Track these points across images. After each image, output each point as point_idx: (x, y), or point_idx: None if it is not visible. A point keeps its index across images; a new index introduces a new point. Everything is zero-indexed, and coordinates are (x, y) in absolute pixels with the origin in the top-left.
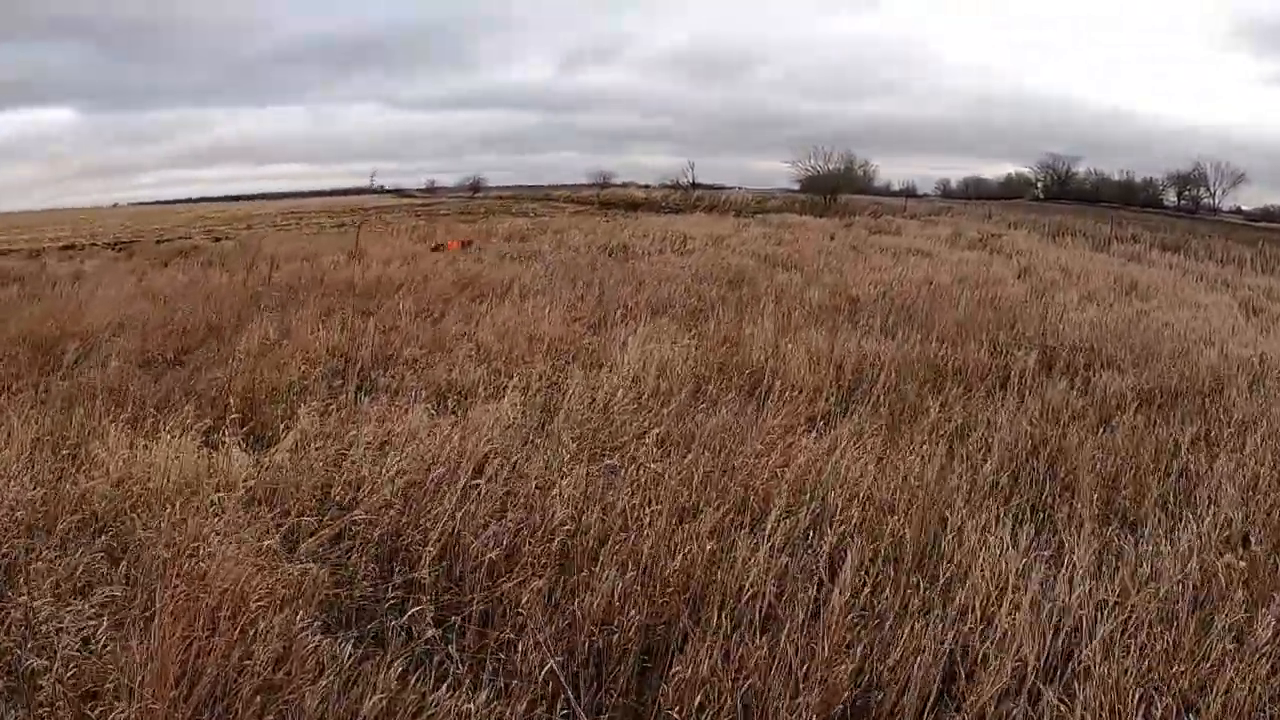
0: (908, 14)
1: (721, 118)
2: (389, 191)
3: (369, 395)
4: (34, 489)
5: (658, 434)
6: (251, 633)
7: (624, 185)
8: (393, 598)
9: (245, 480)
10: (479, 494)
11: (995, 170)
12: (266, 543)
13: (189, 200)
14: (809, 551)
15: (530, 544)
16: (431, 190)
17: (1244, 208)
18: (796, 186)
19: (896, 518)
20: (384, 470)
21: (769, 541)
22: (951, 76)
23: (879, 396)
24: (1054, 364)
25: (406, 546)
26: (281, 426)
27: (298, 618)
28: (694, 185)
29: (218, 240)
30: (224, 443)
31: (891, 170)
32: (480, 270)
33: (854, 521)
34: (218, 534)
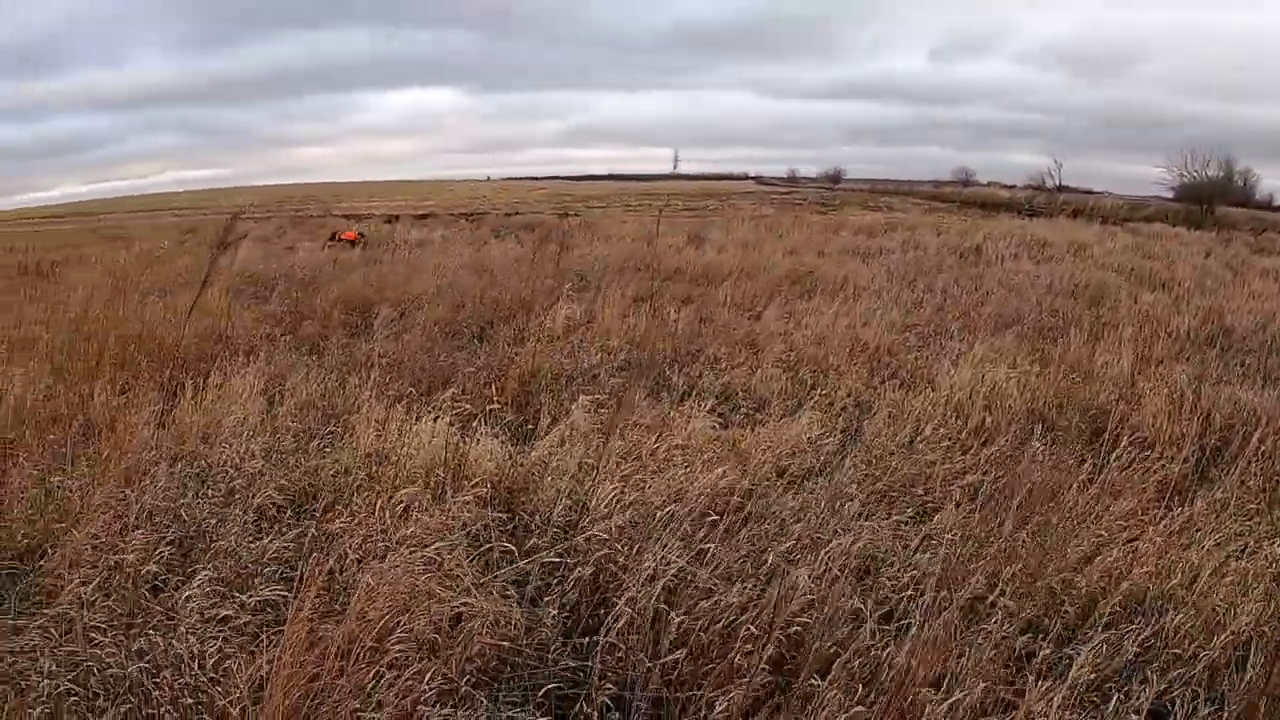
0: None
1: (1095, 116)
2: (749, 179)
3: (657, 394)
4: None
5: (968, 483)
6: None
7: (987, 184)
8: (570, 663)
9: (484, 475)
10: (709, 552)
11: None
12: (453, 555)
13: (556, 178)
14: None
15: (750, 626)
16: (792, 180)
17: None
18: (1169, 194)
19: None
20: (623, 492)
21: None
22: None
23: (1250, 463)
24: None
25: (606, 599)
26: (551, 419)
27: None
28: (1060, 188)
29: (564, 217)
30: (480, 430)
31: (1275, 182)
32: (818, 264)
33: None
34: (407, 538)
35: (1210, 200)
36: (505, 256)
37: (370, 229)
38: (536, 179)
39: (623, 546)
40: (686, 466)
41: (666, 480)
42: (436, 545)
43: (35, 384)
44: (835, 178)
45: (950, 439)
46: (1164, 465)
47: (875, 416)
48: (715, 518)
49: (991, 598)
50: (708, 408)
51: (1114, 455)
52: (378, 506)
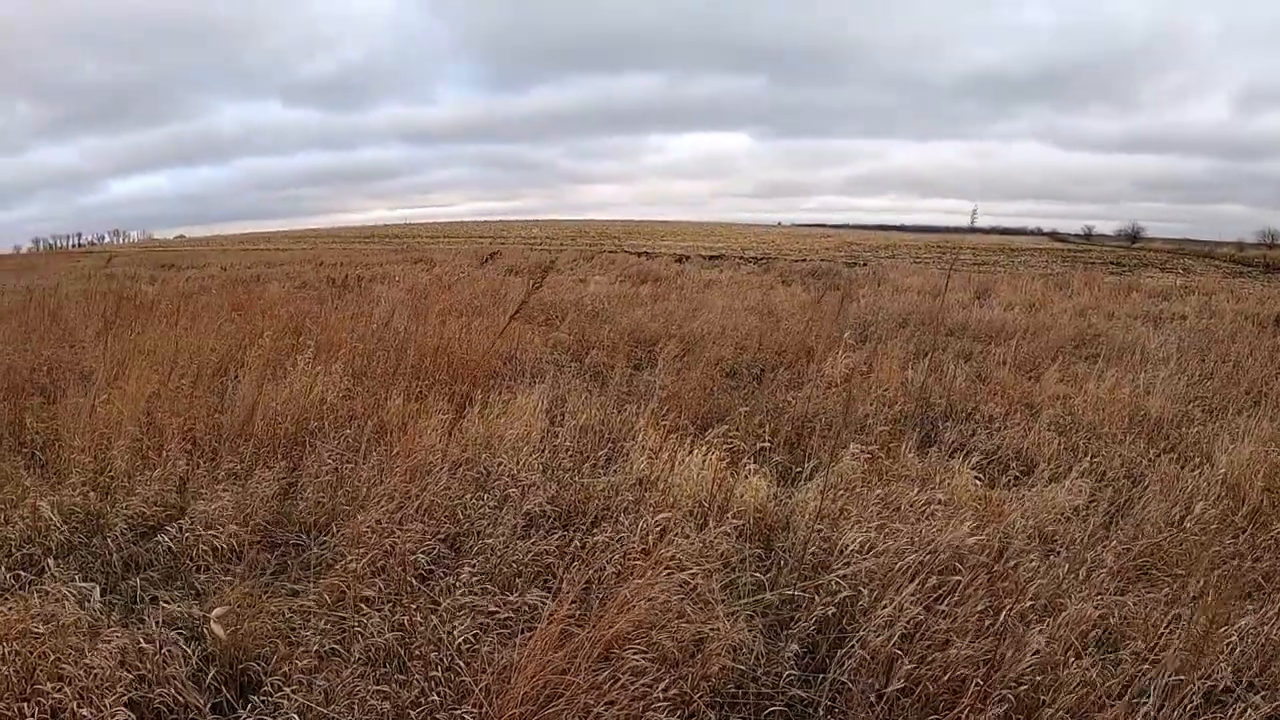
0: None
1: None
2: (1043, 234)
3: (926, 447)
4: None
5: (1232, 567)
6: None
7: None
8: (800, 693)
9: (746, 509)
10: (946, 604)
11: None
12: (707, 581)
13: (845, 226)
14: None
15: (979, 681)
16: (1087, 237)
17: None
18: None
19: None
20: (875, 539)
21: None
22: None
23: None
24: None
25: (844, 638)
26: (816, 464)
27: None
28: None
29: (851, 265)
30: (749, 467)
31: None
32: (1106, 327)
33: None
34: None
35: None
36: (790, 302)
37: (661, 267)
38: (825, 226)
39: (867, 590)
40: (943, 519)
41: (920, 529)
42: (693, 570)
43: (337, 384)
44: (1133, 236)
45: (1221, 520)
46: None
47: (1146, 490)
48: (960, 574)
49: (1238, 691)
50: (973, 464)
51: None
52: (640, 527)
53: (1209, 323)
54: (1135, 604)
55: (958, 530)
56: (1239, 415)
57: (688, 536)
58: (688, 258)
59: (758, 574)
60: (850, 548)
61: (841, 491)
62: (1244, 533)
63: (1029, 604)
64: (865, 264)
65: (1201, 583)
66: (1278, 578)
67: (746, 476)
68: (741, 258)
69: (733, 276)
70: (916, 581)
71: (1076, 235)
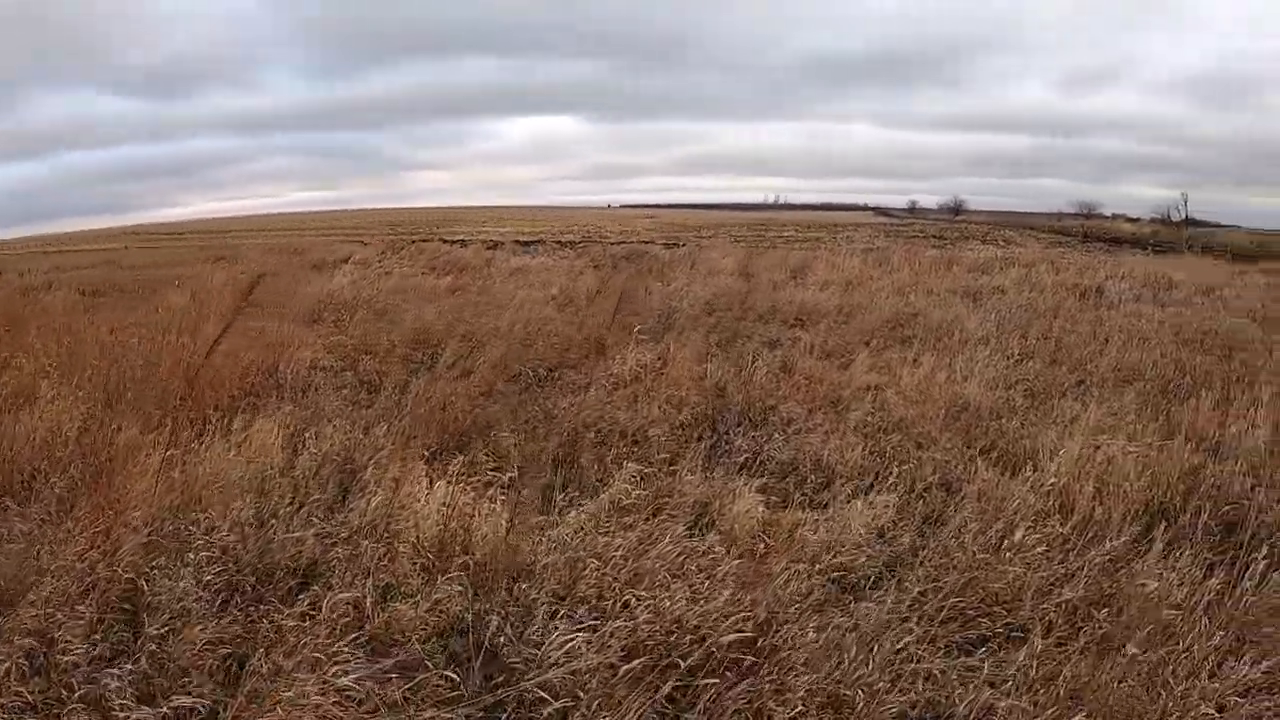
0: None
1: (1224, 148)
2: (867, 209)
3: (717, 458)
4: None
5: (1066, 601)
6: None
7: (1110, 218)
8: None
9: (483, 555)
10: None
11: None
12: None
13: (673, 206)
14: None
15: None
16: (911, 211)
17: None
18: None
19: None
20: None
21: None
22: None
23: None
24: None
25: None
26: (585, 492)
27: None
28: (1187, 221)
29: (668, 247)
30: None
31: None
32: (924, 306)
33: None
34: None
35: None
36: (600, 287)
37: (472, 255)
38: (651, 207)
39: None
40: (703, 578)
41: (668, 601)
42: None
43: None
44: (955, 209)
45: (1048, 541)
46: None
47: (960, 508)
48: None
49: None
50: (766, 480)
51: (1247, 572)
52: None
53: (1030, 296)
54: (946, 670)
55: (714, 600)
56: (1063, 399)
57: (412, 597)
58: (501, 244)
59: (452, 673)
60: (569, 644)
61: (597, 530)
62: (1074, 550)
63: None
64: (683, 245)
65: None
66: (1118, 603)
67: (490, 512)
68: (559, 242)
69: (545, 263)
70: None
71: (900, 209)
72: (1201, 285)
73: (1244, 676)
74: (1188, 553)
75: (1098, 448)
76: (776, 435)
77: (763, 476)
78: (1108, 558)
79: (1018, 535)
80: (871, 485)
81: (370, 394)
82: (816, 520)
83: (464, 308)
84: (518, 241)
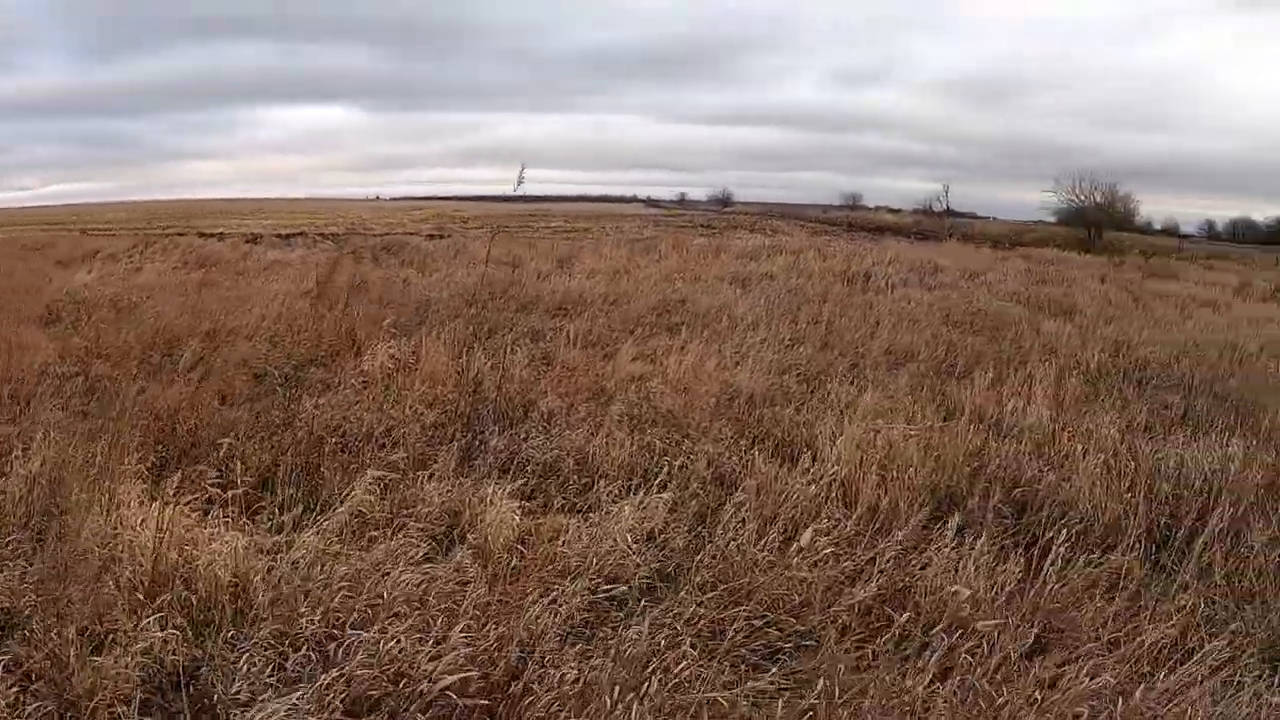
0: (1196, 45)
1: (983, 145)
2: (638, 200)
3: (469, 463)
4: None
5: (859, 602)
6: None
7: (874, 209)
8: None
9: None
10: None
11: (1266, 212)
12: None
13: (445, 198)
14: None
15: None
16: (681, 202)
17: None
18: (1052, 219)
19: None
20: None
21: None
22: (1235, 113)
23: (1212, 550)
24: None
25: None
26: (325, 504)
27: None
28: (948, 212)
29: (434, 238)
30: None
31: (1153, 208)
32: (692, 293)
33: None
34: None
35: (1098, 225)
36: (356, 280)
37: (228, 249)
38: (421, 199)
39: None
40: (449, 605)
41: (400, 637)
42: None
43: None
44: (724, 200)
45: (834, 536)
46: (1104, 551)
47: (739, 505)
48: None
49: None
50: (516, 489)
51: (1048, 557)
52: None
53: (799, 282)
54: (734, 700)
55: (451, 637)
56: (839, 383)
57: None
58: (261, 238)
59: None
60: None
61: (332, 553)
62: (863, 542)
63: None
64: (449, 236)
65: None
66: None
67: (214, 536)
68: (323, 235)
69: (304, 256)
70: None
71: (670, 201)
72: (966, 270)
73: (1052, 676)
74: (983, 539)
75: (877, 432)
76: (536, 432)
77: (521, 479)
78: (899, 549)
79: (805, 537)
80: (640, 483)
81: (101, 402)
82: (580, 526)
83: (213, 304)
84: (279, 235)
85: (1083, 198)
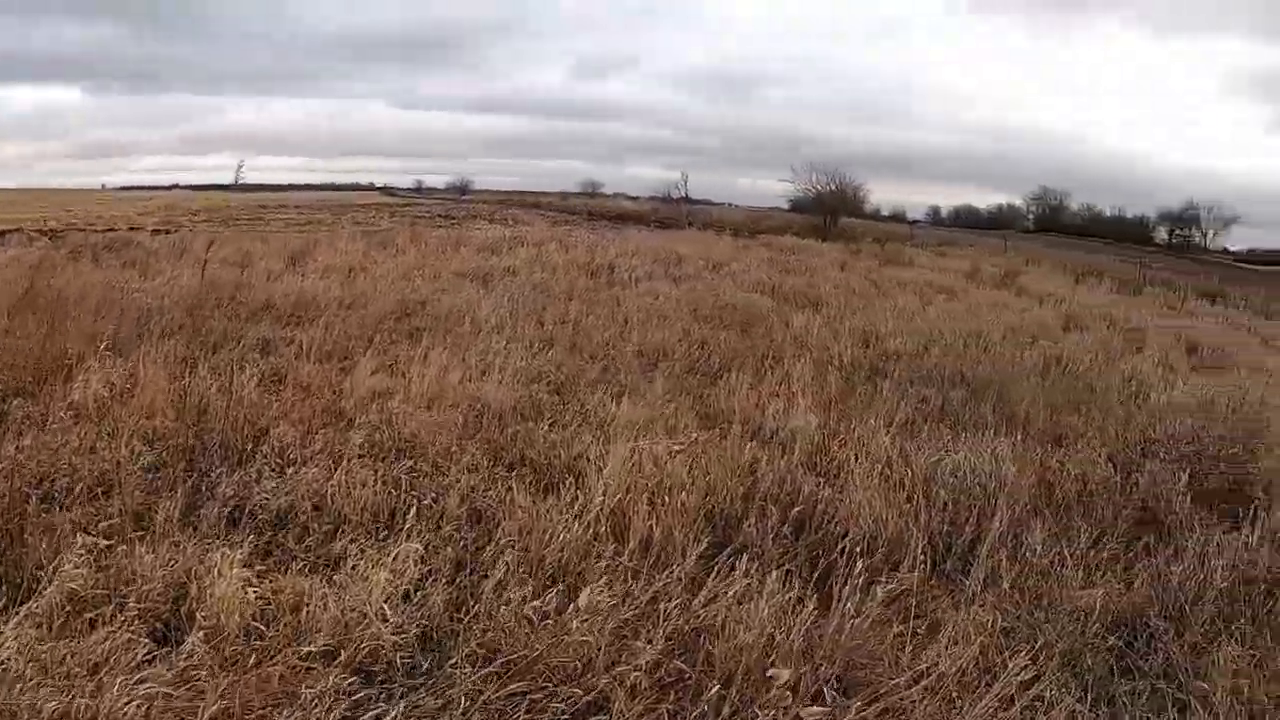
0: (924, 45)
1: (723, 135)
2: (378, 189)
3: (193, 514)
4: None
5: (645, 665)
6: None
7: (612, 195)
8: None
9: None
10: None
11: (986, 200)
12: None
13: (176, 187)
14: None
15: None
16: (419, 190)
17: (1230, 248)
18: (786, 206)
19: None
20: None
21: None
22: (959, 108)
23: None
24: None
25: None
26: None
27: None
28: (686, 199)
29: (158, 234)
30: None
31: (883, 195)
32: (433, 292)
33: None
34: None
35: (833, 212)
36: (70, 287)
37: None
38: (152, 189)
39: None
40: None
41: None
42: None
43: None
44: (463, 189)
45: (612, 581)
46: (891, 569)
47: (501, 553)
48: None
49: None
50: (248, 550)
51: (844, 587)
52: None
53: (542, 277)
54: None
55: None
56: (593, 391)
57: None
58: None
59: None
60: None
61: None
62: (639, 578)
63: None
64: (176, 231)
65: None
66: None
67: None
68: (41, 231)
69: (18, 256)
70: None
71: (407, 189)
72: (709, 260)
73: None
74: (772, 575)
75: (642, 449)
76: (269, 471)
77: (254, 533)
78: (681, 588)
79: (583, 599)
80: (388, 527)
81: None
82: (325, 591)
83: None
84: None
85: (818, 186)
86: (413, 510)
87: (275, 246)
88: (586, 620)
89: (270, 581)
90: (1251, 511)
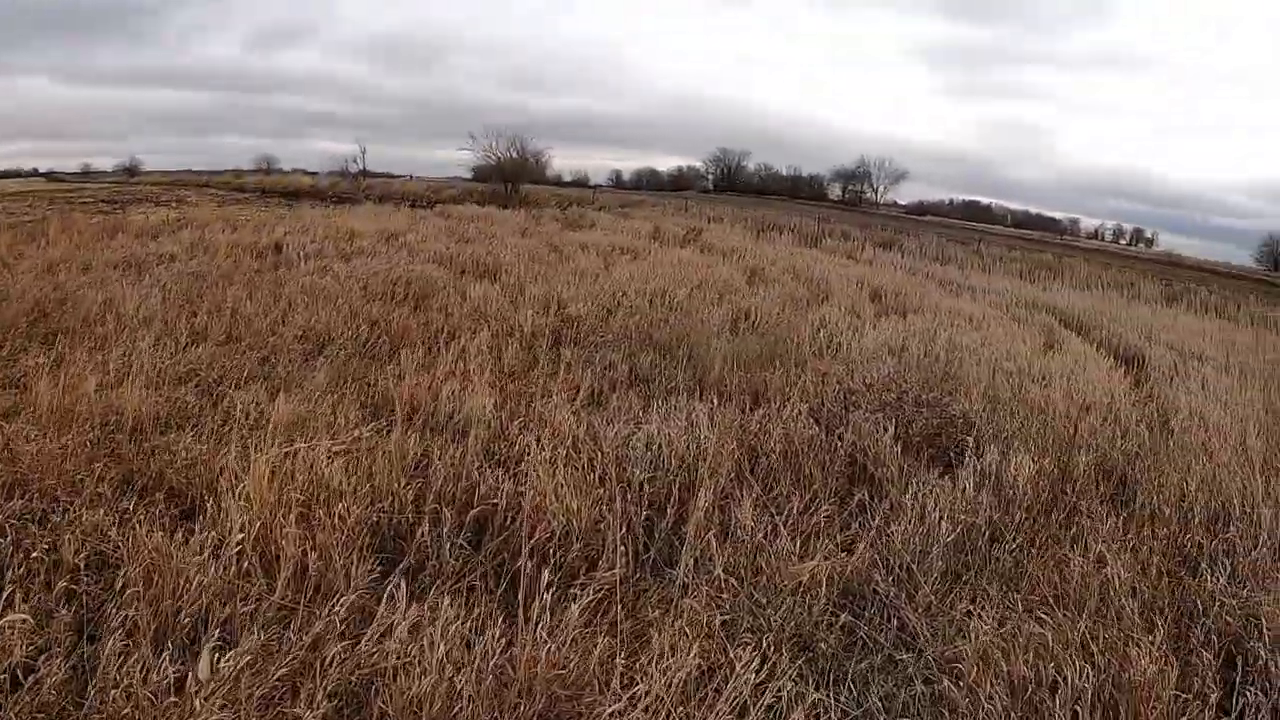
0: (607, 15)
1: (405, 104)
2: (42, 175)
3: None
4: None
5: None
6: None
7: (290, 171)
8: None
9: None
10: None
11: (667, 163)
12: None
13: None
14: None
15: None
16: (85, 174)
17: (900, 201)
18: (469, 175)
19: None
20: None
21: None
22: (649, 84)
23: (711, 544)
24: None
25: None
26: None
27: None
28: (364, 173)
29: None
30: None
31: (566, 162)
32: (78, 286)
33: None
34: None
35: (515, 179)
36: None
37: None
38: None
39: None
40: None
41: None
42: None
43: None
44: (131, 171)
45: (253, 635)
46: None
47: (121, 604)
48: None
49: None
50: None
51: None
52: None
53: (202, 261)
54: None
55: None
56: (246, 387)
57: None
58: None
59: None
60: None
61: None
62: (295, 619)
63: None
64: None
65: None
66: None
67: None
68: None
69: None
70: None
71: (74, 173)
72: (384, 233)
73: None
74: (447, 602)
75: (294, 455)
76: None
77: None
78: (345, 626)
79: (202, 667)
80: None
81: None
82: None
83: None
84: None
85: (499, 153)
86: (21, 564)
87: None
88: (218, 690)
89: None
90: (963, 456)
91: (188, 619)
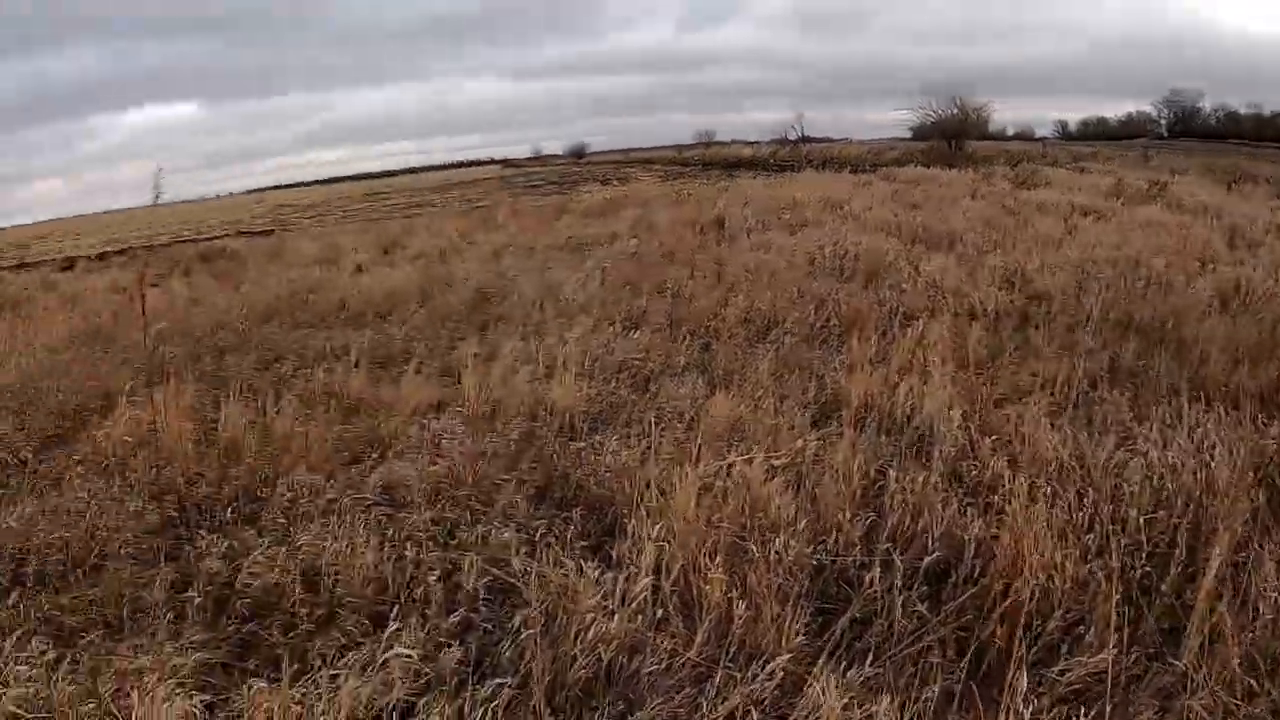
0: None
1: (835, 69)
2: (498, 163)
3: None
4: None
5: None
6: None
7: (729, 143)
8: None
9: None
10: None
11: (1115, 109)
12: None
13: (291, 185)
14: None
15: None
16: (538, 158)
17: None
18: (909, 135)
19: None
20: None
21: None
22: (1070, 12)
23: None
24: None
25: None
26: None
27: None
28: (803, 139)
29: (263, 235)
30: None
31: (1005, 114)
32: (520, 269)
33: None
34: None
35: (957, 137)
36: (154, 307)
37: (39, 282)
38: (266, 190)
39: None
40: None
41: None
42: None
43: None
44: (579, 152)
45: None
46: None
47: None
48: None
49: None
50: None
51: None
52: None
53: (643, 240)
54: None
55: None
56: (682, 377)
57: None
58: (76, 261)
59: None
60: None
61: None
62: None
63: None
64: (280, 230)
65: None
66: None
67: None
68: (148, 246)
69: (115, 280)
70: None
71: (527, 159)
72: (827, 201)
73: None
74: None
75: (729, 470)
76: (268, 533)
77: (238, 622)
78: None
79: None
80: (395, 608)
81: None
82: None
83: None
84: (98, 256)
85: (938, 111)
86: (421, 589)
87: (372, 236)
88: None
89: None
90: None
91: (583, 672)
